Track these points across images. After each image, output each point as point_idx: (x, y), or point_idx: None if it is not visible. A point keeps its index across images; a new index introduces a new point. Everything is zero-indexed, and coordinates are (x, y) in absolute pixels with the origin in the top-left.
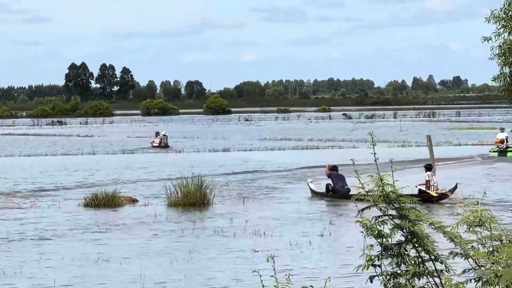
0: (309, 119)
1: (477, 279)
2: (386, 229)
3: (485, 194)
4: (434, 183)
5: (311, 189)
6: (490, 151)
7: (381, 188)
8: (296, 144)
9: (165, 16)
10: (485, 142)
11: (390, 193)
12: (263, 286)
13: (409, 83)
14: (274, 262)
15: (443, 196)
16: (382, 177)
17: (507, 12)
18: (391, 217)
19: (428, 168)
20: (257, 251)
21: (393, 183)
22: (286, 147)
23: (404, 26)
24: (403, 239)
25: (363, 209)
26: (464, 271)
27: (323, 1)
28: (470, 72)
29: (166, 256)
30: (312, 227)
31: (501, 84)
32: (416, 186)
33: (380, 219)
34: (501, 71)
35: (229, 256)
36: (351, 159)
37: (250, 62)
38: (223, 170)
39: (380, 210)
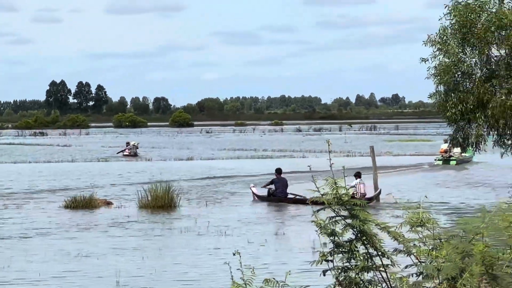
0: (263, 132)
1: (418, 273)
2: (338, 228)
3: (426, 197)
4: (360, 189)
5: (253, 193)
6: (435, 160)
7: (335, 191)
8: (253, 154)
9: (135, 39)
10: (421, 153)
11: (343, 196)
12: (232, 277)
13: (352, 99)
14: (240, 256)
15: (369, 200)
16: (336, 181)
17: (442, 37)
18: (343, 217)
19: (358, 175)
20: (220, 248)
21: (346, 187)
22: (243, 156)
23: (348, 49)
24: (353, 237)
25: (318, 210)
26: (406, 266)
27: (276, 26)
28: (407, 90)
29: (138, 253)
30: (267, 227)
31: (436, 100)
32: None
33: (333, 219)
34: (436, 89)
35: (194, 253)
36: (308, 166)
37: (211, 80)
38: (188, 177)
39: (333, 211)
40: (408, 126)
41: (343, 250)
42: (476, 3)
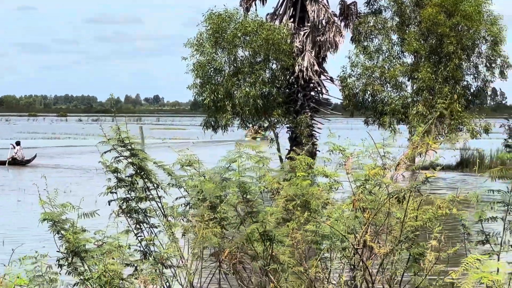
0: (51, 121)
1: (186, 203)
2: (121, 166)
3: (194, 143)
4: (21, 154)
5: None
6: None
7: (118, 135)
8: (43, 136)
9: None
10: (179, 137)
11: (125, 138)
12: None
13: (122, 98)
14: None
15: (27, 161)
16: (119, 127)
17: (199, 40)
18: (125, 157)
19: (18, 143)
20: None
21: (127, 132)
22: (37, 138)
23: (120, 59)
24: (134, 172)
25: (105, 152)
26: (176, 198)
27: (63, 39)
28: (166, 92)
29: None
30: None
31: (193, 91)
32: (8, 158)
33: (117, 159)
34: (194, 82)
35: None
36: None
37: (9, 81)
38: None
39: (117, 152)
40: (167, 119)
41: (125, 184)
42: (226, 14)
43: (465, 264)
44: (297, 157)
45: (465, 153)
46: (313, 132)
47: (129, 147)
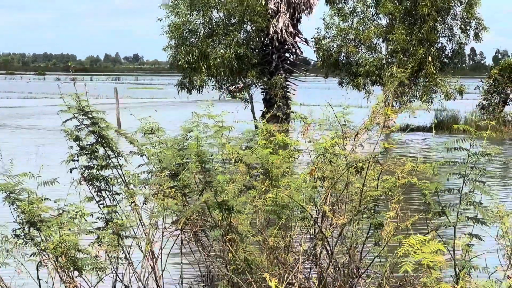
0: (29, 80)
1: (148, 171)
2: (82, 134)
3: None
4: None
5: None
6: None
7: (78, 104)
8: (19, 95)
9: None
10: (154, 97)
11: (85, 107)
12: None
13: (102, 57)
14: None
15: None
16: (79, 96)
17: (174, 1)
18: (86, 125)
19: None
20: None
21: (88, 102)
22: (12, 97)
23: (99, 17)
24: (95, 141)
25: (66, 121)
26: (139, 166)
27: None
28: (145, 51)
29: None
30: None
31: (169, 52)
32: None
33: (78, 127)
34: (169, 43)
35: None
36: None
37: None
38: None
39: (78, 120)
40: (146, 78)
41: (86, 152)
42: None
43: (406, 246)
44: (259, 124)
45: (439, 115)
46: (287, 93)
47: (90, 116)
